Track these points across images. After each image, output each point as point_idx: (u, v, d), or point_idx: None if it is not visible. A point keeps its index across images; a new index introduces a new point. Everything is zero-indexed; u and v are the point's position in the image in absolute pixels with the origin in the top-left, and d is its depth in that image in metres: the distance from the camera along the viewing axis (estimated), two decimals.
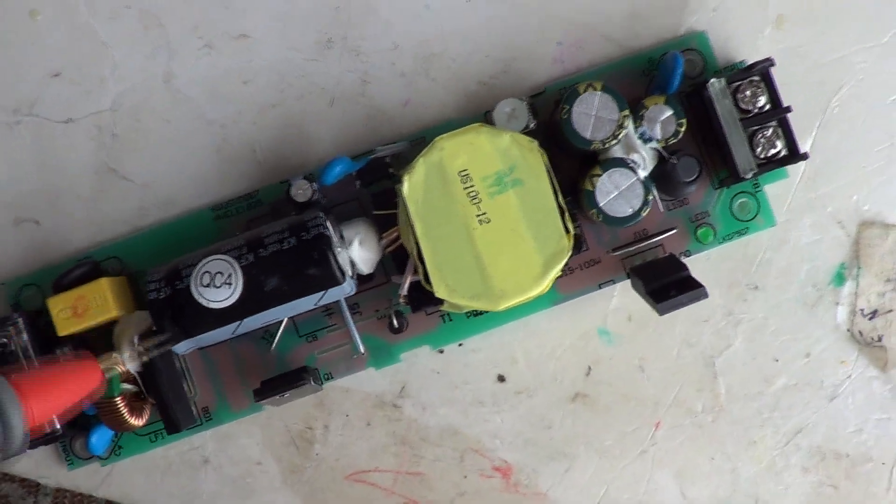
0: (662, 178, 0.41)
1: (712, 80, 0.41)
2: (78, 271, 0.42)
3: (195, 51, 0.44)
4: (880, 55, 0.44)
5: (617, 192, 0.40)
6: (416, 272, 0.40)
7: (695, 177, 0.41)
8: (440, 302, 0.40)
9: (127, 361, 0.41)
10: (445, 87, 0.44)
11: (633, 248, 0.43)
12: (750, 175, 0.41)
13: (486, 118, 0.43)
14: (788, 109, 0.41)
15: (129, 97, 0.44)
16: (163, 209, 0.44)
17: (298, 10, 0.44)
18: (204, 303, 0.40)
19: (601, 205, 0.40)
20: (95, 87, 0.44)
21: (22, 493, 0.46)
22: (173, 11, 0.44)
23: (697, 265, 0.43)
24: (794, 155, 0.42)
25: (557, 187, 0.40)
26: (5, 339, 0.41)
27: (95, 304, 0.41)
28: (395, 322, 0.43)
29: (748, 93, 0.41)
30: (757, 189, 0.43)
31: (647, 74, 0.44)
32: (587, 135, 0.40)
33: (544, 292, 0.40)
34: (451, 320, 0.44)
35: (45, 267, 0.44)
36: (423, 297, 0.41)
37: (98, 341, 0.42)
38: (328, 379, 0.44)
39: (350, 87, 0.44)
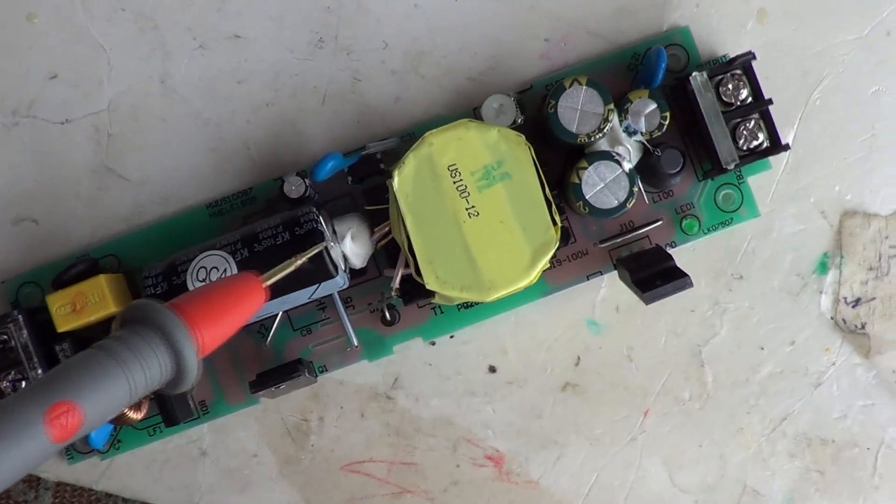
0: (647, 170, 0.42)
1: (694, 73, 0.42)
2: (76, 268, 0.43)
3: (190, 51, 0.45)
4: (861, 47, 0.45)
5: (603, 185, 0.41)
6: (407, 265, 0.41)
7: (679, 168, 0.42)
8: (431, 294, 0.41)
9: None
10: (435, 84, 0.45)
11: (620, 239, 0.44)
12: (732, 166, 0.42)
13: (474, 114, 0.44)
14: (770, 102, 0.42)
15: (126, 98, 0.45)
16: (159, 207, 0.45)
17: (290, 11, 0.45)
18: None
19: (587, 197, 0.41)
20: (92, 89, 0.45)
21: (23, 488, 0.46)
22: (168, 13, 0.45)
23: (683, 256, 0.44)
24: (775, 146, 0.42)
25: (544, 180, 0.41)
26: (6, 336, 0.42)
27: (94, 300, 0.42)
28: (387, 315, 0.44)
29: (730, 86, 0.42)
30: (741, 180, 0.44)
31: (633, 69, 0.44)
32: (573, 128, 0.41)
33: (533, 283, 0.41)
34: (442, 312, 0.44)
35: (43, 265, 0.45)
36: (414, 290, 0.42)
37: (97, 337, 0.43)
38: (322, 371, 0.44)
39: (342, 85, 0.45)
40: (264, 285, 0.37)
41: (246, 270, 0.38)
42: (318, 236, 0.40)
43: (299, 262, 0.39)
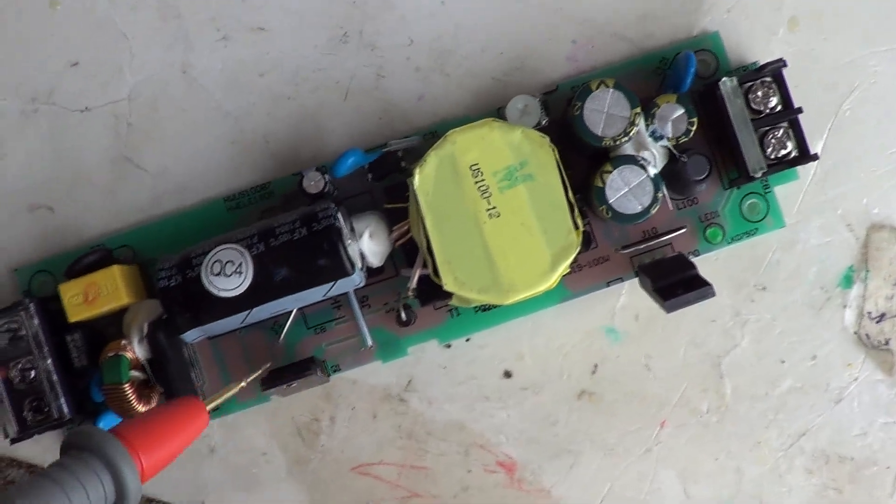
0: (673, 176, 0.42)
1: (724, 79, 0.41)
2: (90, 258, 0.42)
3: (212, 42, 0.45)
4: (893, 59, 0.44)
5: (627, 189, 0.40)
6: (425, 265, 0.41)
7: (705, 175, 0.41)
8: (449, 296, 0.41)
9: (136, 349, 0.42)
10: (459, 83, 0.44)
11: (643, 246, 0.43)
12: (759, 174, 0.41)
13: (499, 114, 0.43)
14: (799, 110, 0.41)
15: (146, 87, 0.45)
16: (176, 199, 0.45)
17: (315, 4, 0.45)
18: (214, 291, 0.40)
19: (611, 201, 0.40)
20: (113, 77, 0.45)
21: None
22: (191, 3, 0.45)
23: (706, 265, 0.43)
24: (804, 156, 0.42)
25: (567, 183, 0.40)
26: (16, 324, 0.42)
27: (107, 291, 0.42)
28: (403, 315, 0.43)
29: (760, 93, 0.42)
30: (767, 190, 0.43)
31: (660, 74, 0.44)
32: (598, 131, 0.40)
33: (552, 287, 0.40)
34: (458, 315, 0.44)
35: (58, 254, 0.44)
36: (431, 291, 0.41)
37: (108, 328, 0.43)
38: (335, 371, 0.44)
39: (365, 81, 0.45)
40: (208, 409, 0.38)
41: (189, 395, 0.40)
42: (335, 232, 0.40)
43: (242, 385, 0.41)
